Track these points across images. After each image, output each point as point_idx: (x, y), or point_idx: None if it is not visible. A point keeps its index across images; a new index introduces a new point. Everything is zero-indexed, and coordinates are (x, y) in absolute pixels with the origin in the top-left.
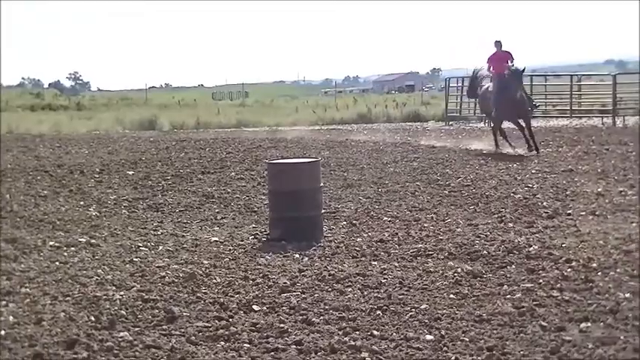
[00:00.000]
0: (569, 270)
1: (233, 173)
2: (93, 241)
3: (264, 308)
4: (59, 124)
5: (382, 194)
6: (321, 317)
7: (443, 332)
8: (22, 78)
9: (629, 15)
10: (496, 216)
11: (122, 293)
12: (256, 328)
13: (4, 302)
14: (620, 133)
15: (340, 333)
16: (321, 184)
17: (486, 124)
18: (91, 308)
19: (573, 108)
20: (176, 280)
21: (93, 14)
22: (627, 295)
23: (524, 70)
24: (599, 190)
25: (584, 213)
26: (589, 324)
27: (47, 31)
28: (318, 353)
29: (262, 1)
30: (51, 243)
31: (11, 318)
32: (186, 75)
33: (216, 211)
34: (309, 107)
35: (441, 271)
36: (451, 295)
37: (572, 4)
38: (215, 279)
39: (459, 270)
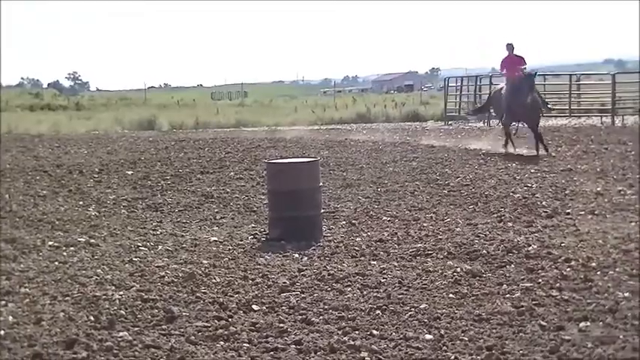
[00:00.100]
0: (568, 269)
1: (232, 173)
2: (92, 240)
3: (264, 308)
4: (58, 124)
5: (381, 194)
6: (321, 317)
7: (442, 332)
8: (21, 78)
9: (628, 14)
10: (495, 215)
11: (121, 293)
12: (256, 328)
13: (3, 302)
14: (619, 132)
15: (340, 332)
16: (321, 184)
17: (485, 124)
18: (91, 308)
19: (572, 107)
20: (175, 280)
21: (92, 14)
22: (626, 294)
23: (536, 74)
24: (598, 189)
25: (583, 212)
26: (588, 323)
27: (46, 31)
28: (318, 353)
29: (261, 1)
30: (50, 243)
31: (11, 318)
32: (185, 75)
33: (216, 210)
34: (308, 107)
35: (440, 271)
36: (450, 295)
37: (571, 4)
38: (214, 279)
39: (459, 269)
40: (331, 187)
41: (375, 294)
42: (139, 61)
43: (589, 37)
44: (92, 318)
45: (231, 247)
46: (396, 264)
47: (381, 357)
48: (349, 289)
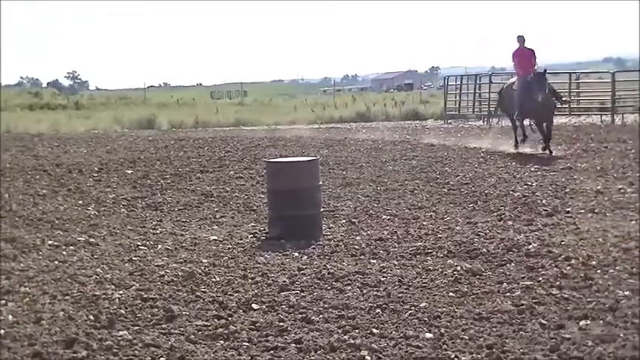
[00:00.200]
0: (568, 268)
1: (232, 172)
2: (92, 240)
3: (264, 307)
4: (58, 124)
5: (381, 193)
6: (321, 316)
7: (442, 330)
8: (21, 77)
9: (628, 13)
10: (495, 214)
11: (121, 292)
12: (256, 327)
13: (3, 301)
14: (619, 130)
15: (340, 331)
16: (320, 183)
17: (485, 122)
18: (90, 307)
19: (572, 106)
20: (175, 279)
21: (92, 14)
22: (626, 292)
23: (545, 71)
24: (598, 187)
25: (583, 211)
26: (588, 322)
27: (46, 31)
28: (318, 352)
29: (261, 0)
30: (50, 242)
31: (10, 317)
32: (185, 74)
33: (215, 209)
34: (308, 106)
35: (440, 269)
36: (450, 293)
37: (571, 3)
38: (214, 278)
39: (459, 268)
40: (331, 185)
41: (374, 293)
42: (138, 60)
43: (588, 35)
44: (92, 317)
45: (230, 246)
46: (395, 262)
47: (381, 356)
48: (349, 287)
